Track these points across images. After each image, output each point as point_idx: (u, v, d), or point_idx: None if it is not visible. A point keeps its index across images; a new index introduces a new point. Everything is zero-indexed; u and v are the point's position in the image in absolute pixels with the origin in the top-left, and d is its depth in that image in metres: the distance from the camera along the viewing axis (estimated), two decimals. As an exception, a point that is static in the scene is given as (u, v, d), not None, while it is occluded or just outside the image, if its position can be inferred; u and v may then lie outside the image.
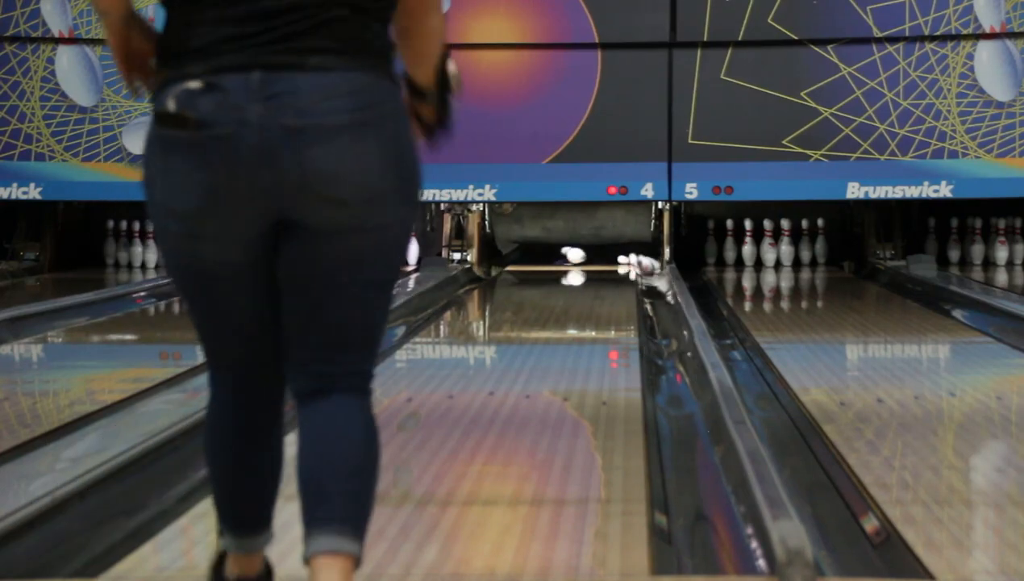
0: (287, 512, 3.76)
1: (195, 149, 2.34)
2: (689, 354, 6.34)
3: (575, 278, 10.64)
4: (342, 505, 2.44)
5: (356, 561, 2.43)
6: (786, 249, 10.95)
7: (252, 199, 2.36)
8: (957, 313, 8.17)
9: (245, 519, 2.60)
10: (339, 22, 2.38)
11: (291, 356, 2.49)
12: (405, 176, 2.45)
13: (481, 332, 8.19)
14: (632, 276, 10.45)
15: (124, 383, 5.62)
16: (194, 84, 2.34)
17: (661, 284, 9.68)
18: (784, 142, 10.20)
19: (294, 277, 2.43)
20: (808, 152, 10.20)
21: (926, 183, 10.16)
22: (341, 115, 2.36)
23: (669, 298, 8.75)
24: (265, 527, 2.63)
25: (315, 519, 2.44)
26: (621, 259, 10.99)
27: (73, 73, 10.32)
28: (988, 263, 10.82)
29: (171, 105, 2.35)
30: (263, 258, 2.42)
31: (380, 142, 2.40)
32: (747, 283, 10.19)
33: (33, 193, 10.37)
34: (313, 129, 2.35)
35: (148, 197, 2.43)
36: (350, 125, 2.37)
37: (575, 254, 11.12)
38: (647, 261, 10.77)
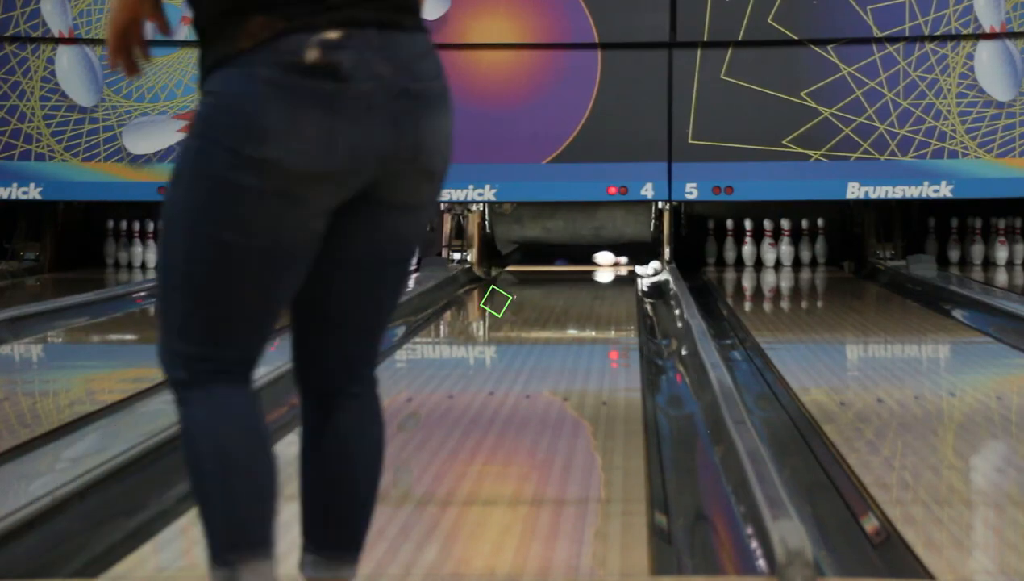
0: (286, 513, 3.76)
1: (335, 104, 2.13)
2: (689, 354, 6.34)
3: (605, 275, 10.64)
4: (351, 530, 2.36)
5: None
6: (786, 249, 10.95)
7: (370, 164, 2.17)
8: (957, 313, 8.17)
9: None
10: None
11: (315, 342, 2.32)
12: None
13: (481, 332, 8.19)
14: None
15: (124, 383, 5.62)
16: (333, 34, 2.13)
17: (661, 283, 9.68)
18: (784, 142, 10.20)
19: (350, 255, 2.25)
20: (808, 152, 10.20)
21: (926, 183, 10.16)
22: (437, 80, 2.23)
23: (669, 298, 8.75)
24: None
25: (322, 541, 2.35)
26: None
27: (73, 73, 10.32)
28: (988, 263, 10.82)
29: (312, 53, 2.11)
30: (323, 233, 2.22)
31: (452, 111, 2.27)
32: (747, 283, 10.19)
33: (33, 193, 10.36)
34: (426, 94, 2.20)
35: (240, 150, 2.12)
36: (442, 92, 2.24)
37: (606, 258, 11.09)
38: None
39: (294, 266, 2.21)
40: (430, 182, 2.25)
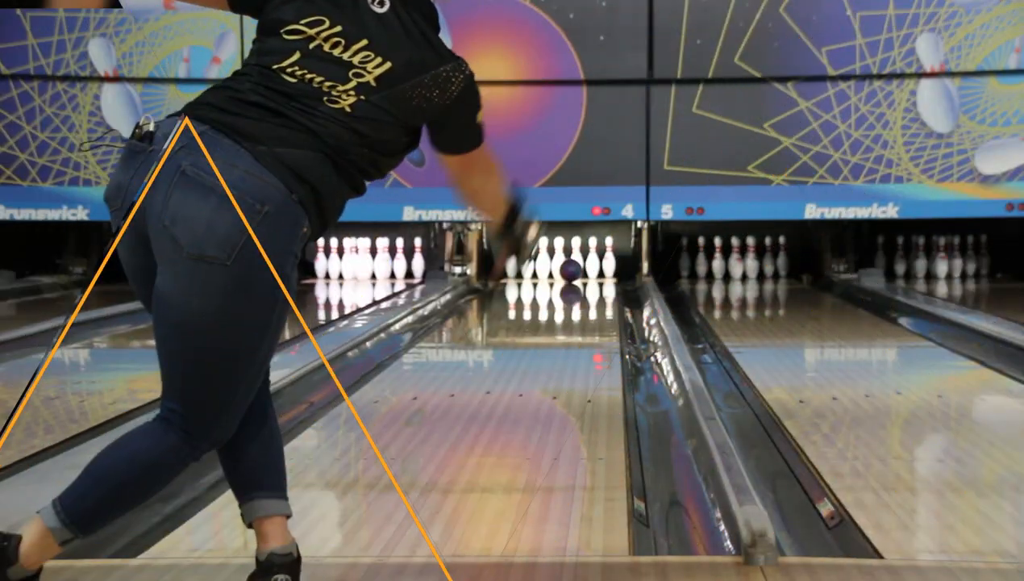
0: (304, 499, 3.75)
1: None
2: (665, 357, 6.33)
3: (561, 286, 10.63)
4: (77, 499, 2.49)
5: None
6: (751, 263, 10.95)
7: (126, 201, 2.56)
8: (903, 320, 8.17)
9: None
10: None
11: None
12: None
13: (479, 338, 8.18)
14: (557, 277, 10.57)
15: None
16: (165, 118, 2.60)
17: (640, 294, 9.68)
18: (749, 168, 10.20)
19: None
20: (771, 177, 10.21)
21: (875, 204, 10.17)
22: (211, 177, 2.45)
23: (647, 307, 8.74)
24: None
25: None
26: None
27: (117, 107, 10.32)
28: (930, 276, 10.83)
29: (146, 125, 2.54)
30: (142, 265, 2.59)
31: (215, 204, 2.45)
32: (717, 294, 10.18)
33: (81, 214, 10.37)
34: (194, 179, 2.46)
35: None
36: (211, 186, 2.44)
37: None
38: (571, 267, 10.80)
39: (140, 288, 2.50)
40: (174, 244, 2.37)
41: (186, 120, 2.41)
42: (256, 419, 2.56)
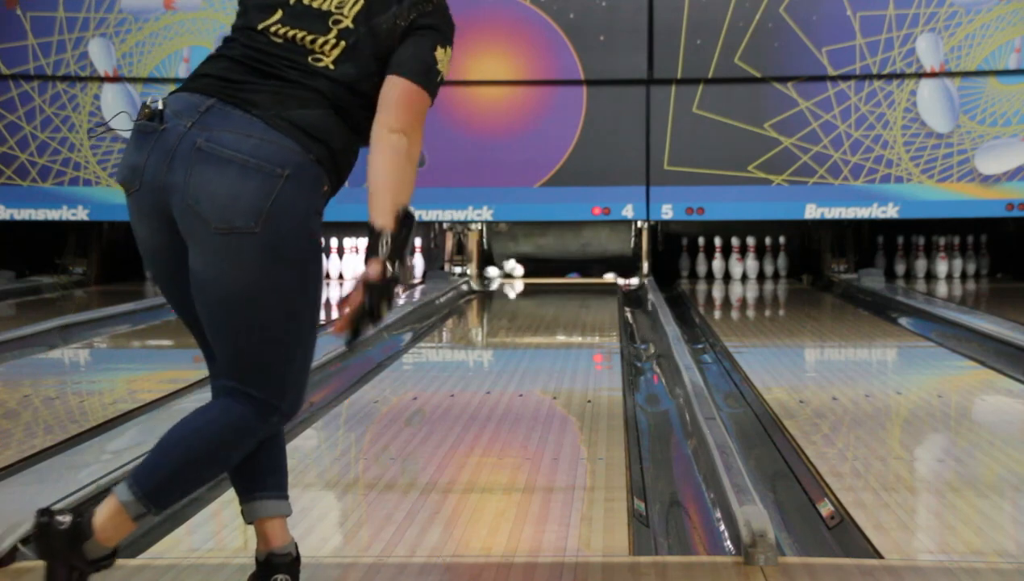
0: (305, 498, 3.75)
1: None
2: (665, 357, 6.33)
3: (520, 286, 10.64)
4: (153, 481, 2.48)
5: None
6: (751, 263, 10.95)
7: (145, 182, 2.56)
8: (903, 320, 8.17)
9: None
10: None
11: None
12: None
13: (479, 338, 8.18)
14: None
15: (161, 384, 5.61)
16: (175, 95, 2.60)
17: (640, 294, 9.68)
18: (749, 168, 10.20)
19: (192, 279, 2.52)
20: (771, 177, 10.21)
21: (875, 205, 10.17)
22: (230, 150, 2.46)
23: (647, 307, 8.74)
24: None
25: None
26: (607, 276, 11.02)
27: (116, 107, 10.32)
28: (930, 276, 10.83)
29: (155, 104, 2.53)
30: (171, 248, 2.56)
31: (238, 177, 2.45)
32: (717, 294, 10.18)
33: (81, 214, 10.36)
34: (213, 154, 2.46)
35: None
36: (230, 158, 2.44)
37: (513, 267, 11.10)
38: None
39: (162, 269, 2.52)
40: (201, 222, 2.38)
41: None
42: None
